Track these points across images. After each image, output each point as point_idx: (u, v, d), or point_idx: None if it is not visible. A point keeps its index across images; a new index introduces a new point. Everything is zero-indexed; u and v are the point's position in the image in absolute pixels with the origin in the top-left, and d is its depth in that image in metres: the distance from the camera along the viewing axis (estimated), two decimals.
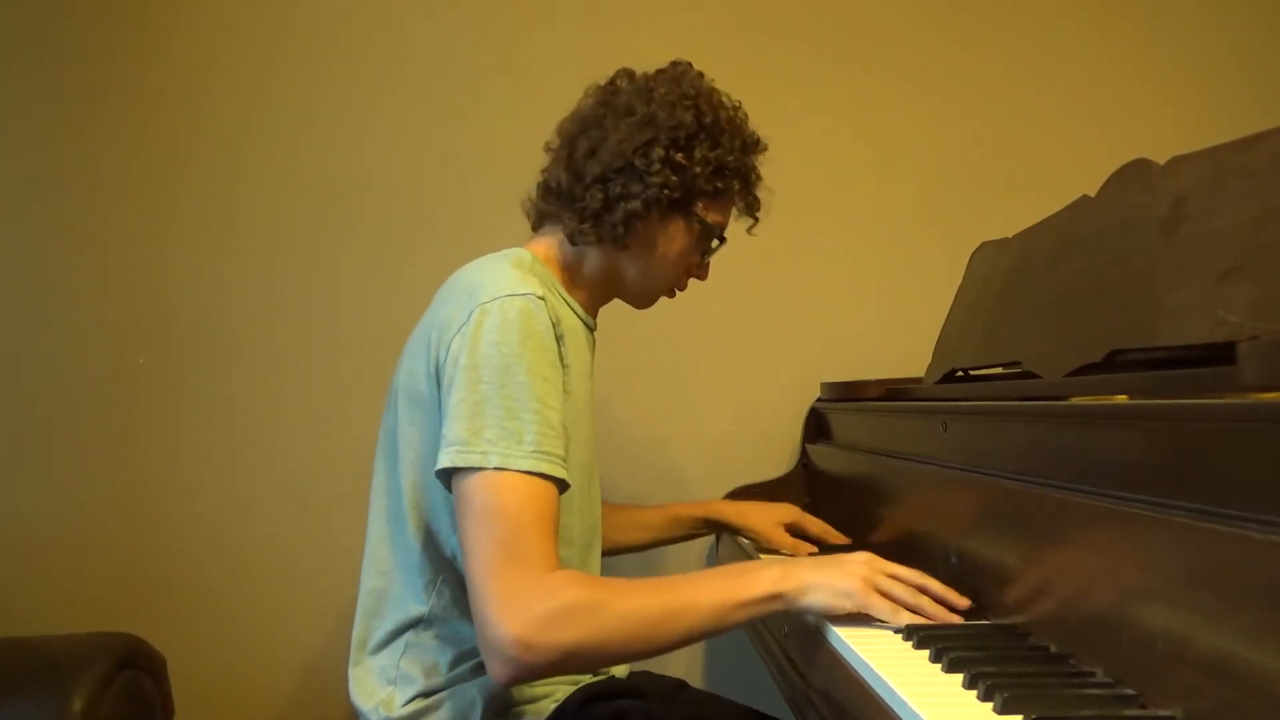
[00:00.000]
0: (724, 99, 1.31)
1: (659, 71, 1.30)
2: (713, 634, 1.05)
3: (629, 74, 1.31)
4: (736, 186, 1.31)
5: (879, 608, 1.02)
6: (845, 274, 2.07)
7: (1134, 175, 1.06)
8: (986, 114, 2.11)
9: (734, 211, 1.36)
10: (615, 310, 1.40)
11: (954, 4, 2.11)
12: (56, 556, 1.88)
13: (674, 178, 1.24)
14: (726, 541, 1.69)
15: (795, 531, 1.57)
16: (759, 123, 1.35)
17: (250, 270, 1.95)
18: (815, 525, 1.57)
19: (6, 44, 1.91)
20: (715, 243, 1.34)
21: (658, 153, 1.23)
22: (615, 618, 1.01)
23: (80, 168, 1.92)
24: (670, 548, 1.70)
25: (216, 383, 1.93)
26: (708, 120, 1.26)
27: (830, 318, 2.06)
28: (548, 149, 1.33)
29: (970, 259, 1.53)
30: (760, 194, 1.35)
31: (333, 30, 1.98)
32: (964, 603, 1.04)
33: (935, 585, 1.06)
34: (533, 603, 0.99)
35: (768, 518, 1.57)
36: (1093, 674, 0.81)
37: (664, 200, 1.24)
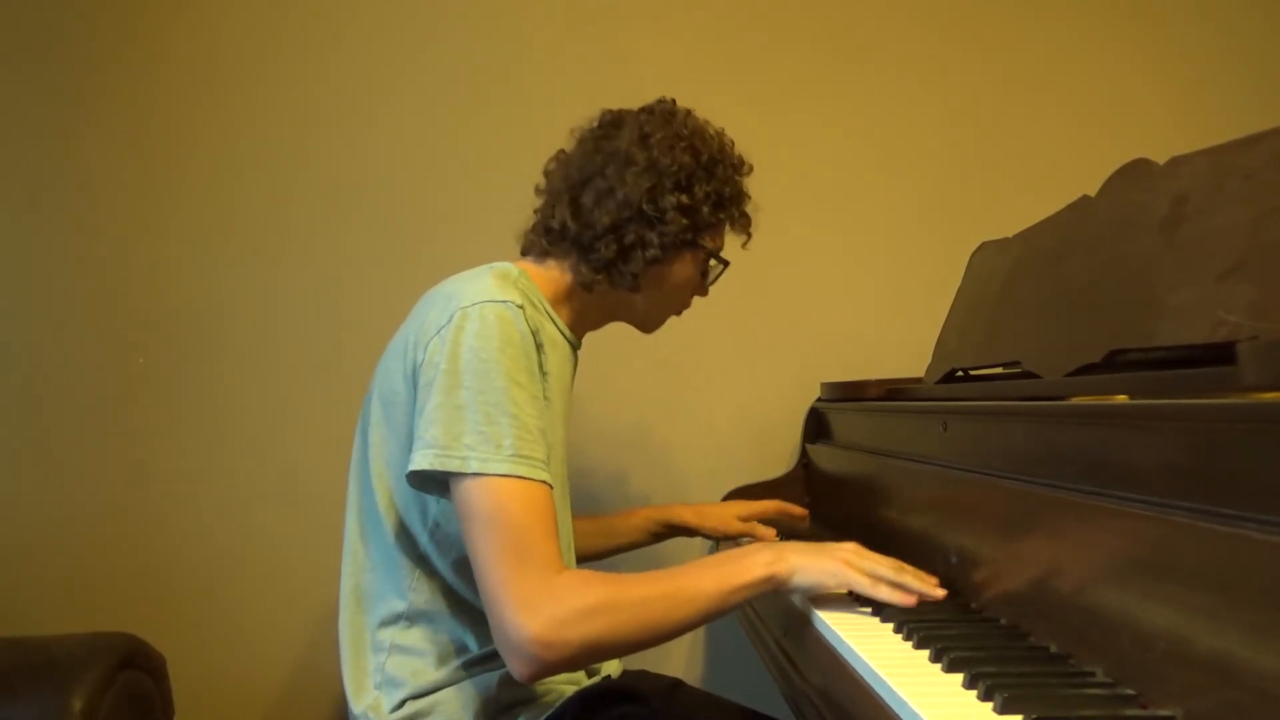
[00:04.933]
0: (710, 130, 1.35)
1: (647, 113, 1.33)
2: (715, 617, 1.10)
3: (616, 117, 1.34)
4: (735, 213, 1.36)
5: (859, 582, 1.08)
6: (845, 274, 2.07)
7: (1134, 175, 1.06)
8: (987, 114, 2.11)
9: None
10: None
11: (955, 4, 2.11)
12: (56, 556, 1.88)
13: (684, 220, 1.28)
14: (726, 546, 1.69)
15: (754, 518, 1.64)
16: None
17: (250, 270, 1.95)
18: (769, 505, 1.67)
19: (6, 44, 1.91)
20: (719, 266, 1.39)
21: (669, 199, 1.27)
22: (625, 612, 1.06)
23: (80, 167, 1.92)
24: (672, 542, 1.69)
25: (216, 383, 1.94)
26: (704, 157, 1.30)
27: (830, 318, 2.06)
28: (538, 192, 1.36)
29: (970, 259, 1.53)
30: (749, 211, 1.39)
31: (333, 31, 1.98)
32: (939, 593, 1.09)
33: (912, 571, 1.11)
34: (546, 606, 1.03)
35: (724, 513, 1.65)
36: (1093, 674, 0.81)
37: (679, 243, 1.29)
